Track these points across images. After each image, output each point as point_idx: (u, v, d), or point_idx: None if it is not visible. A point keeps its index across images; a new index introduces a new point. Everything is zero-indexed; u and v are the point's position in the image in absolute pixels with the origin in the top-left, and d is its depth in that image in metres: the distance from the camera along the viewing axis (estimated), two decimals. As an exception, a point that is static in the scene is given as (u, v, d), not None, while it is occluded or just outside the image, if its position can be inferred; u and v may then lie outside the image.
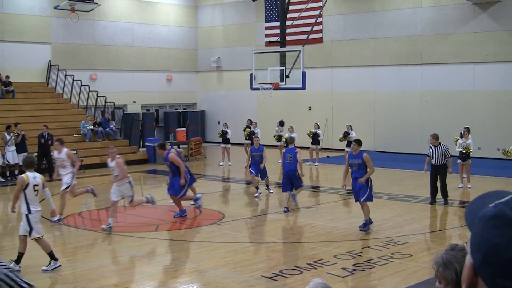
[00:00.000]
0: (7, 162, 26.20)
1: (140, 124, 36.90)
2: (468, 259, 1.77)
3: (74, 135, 31.10)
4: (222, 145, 30.45)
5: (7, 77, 32.20)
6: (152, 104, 40.28)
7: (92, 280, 11.84)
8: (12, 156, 26.26)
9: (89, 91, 34.56)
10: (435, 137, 18.91)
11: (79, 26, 35.25)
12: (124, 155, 30.76)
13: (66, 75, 34.52)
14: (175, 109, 41.57)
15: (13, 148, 26.23)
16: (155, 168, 29.63)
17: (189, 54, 41.96)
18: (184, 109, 41.94)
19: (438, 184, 19.14)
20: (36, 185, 12.19)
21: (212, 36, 41.71)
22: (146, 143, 33.06)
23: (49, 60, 35.02)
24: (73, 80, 34.54)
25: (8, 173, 26.50)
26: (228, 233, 15.13)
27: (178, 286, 11.69)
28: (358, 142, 16.03)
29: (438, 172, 18.76)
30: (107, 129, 32.06)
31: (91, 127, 31.32)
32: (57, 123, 31.01)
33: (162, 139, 35.06)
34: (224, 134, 30.48)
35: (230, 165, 29.84)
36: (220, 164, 30.48)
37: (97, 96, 34.36)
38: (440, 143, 18.68)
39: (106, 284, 11.61)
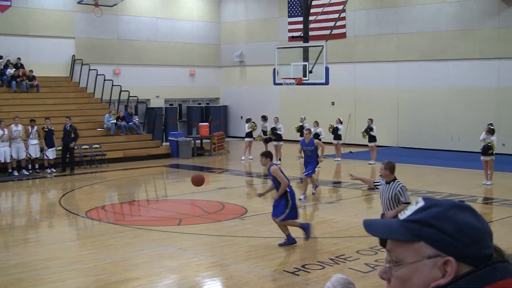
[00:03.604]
0: (29, 156, 26.40)
1: (163, 118, 36.99)
2: (441, 259, 1.88)
3: (98, 129, 31.26)
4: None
5: (31, 71, 32.44)
6: (175, 99, 40.39)
7: (115, 273, 11.90)
8: (35, 150, 26.46)
9: (113, 85, 34.75)
10: (389, 167, 11.20)
11: (103, 20, 35.43)
12: (147, 150, 31.06)
13: (89, 69, 34.73)
14: (198, 103, 41.63)
15: (36, 141, 26.42)
16: (177, 163, 29.70)
17: (212, 49, 42.01)
18: (207, 103, 41.99)
19: None
20: None
21: (235, 31, 41.72)
22: (169, 138, 33.15)
23: (73, 55, 35.21)
24: (97, 75, 34.74)
25: (31, 166, 26.65)
26: (250, 228, 15.15)
27: (201, 280, 11.72)
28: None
29: None
30: (130, 123, 32.18)
31: (115, 121, 31.47)
32: (81, 117, 31.20)
33: (185, 133, 35.15)
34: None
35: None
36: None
37: (120, 91, 34.52)
38: (394, 179, 11.20)
39: (129, 277, 11.66)
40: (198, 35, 41.17)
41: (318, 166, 20.63)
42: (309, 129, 20.81)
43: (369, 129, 28.22)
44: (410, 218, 1.96)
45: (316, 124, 28.53)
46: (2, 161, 25.54)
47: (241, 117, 39.22)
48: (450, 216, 1.91)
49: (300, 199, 18.51)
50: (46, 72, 33.53)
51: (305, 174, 19.39)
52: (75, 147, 27.10)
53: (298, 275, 11.57)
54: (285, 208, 13.47)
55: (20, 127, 25.99)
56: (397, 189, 11.00)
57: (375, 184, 11.55)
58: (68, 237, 15.51)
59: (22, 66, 32.79)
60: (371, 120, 28.57)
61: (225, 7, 42.25)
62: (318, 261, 12.35)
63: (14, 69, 32.29)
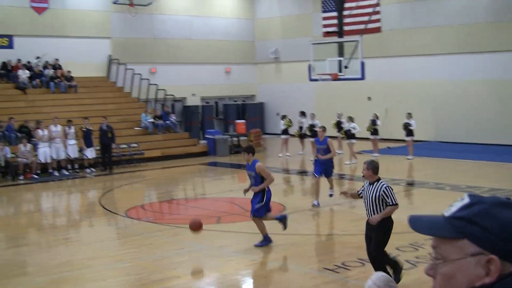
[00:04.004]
0: (68, 156, 26.72)
1: (199, 116, 37.15)
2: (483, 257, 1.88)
3: (135, 128, 31.50)
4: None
5: (69, 72, 32.83)
6: (211, 97, 40.50)
7: (155, 272, 12.00)
8: (73, 150, 26.77)
9: (149, 84, 35.01)
10: (372, 166, 10.28)
11: (138, 20, 35.69)
12: (185, 148, 31.22)
13: (126, 69, 35.01)
14: (234, 101, 41.71)
15: (74, 142, 26.73)
16: (215, 161, 29.80)
17: (247, 46, 42.06)
18: (243, 101, 42.05)
19: None
20: None
21: (269, 27, 41.71)
22: (206, 136, 33.29)
23: (109, 55, 35.53)
24: (133, 74, 35.03)
25: (71, 166, 26.96)
26: (289, 225, 15.15)
27: (240, 278, 11.77)
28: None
29: (370, 234, 10.37)
30: (167, 122, 32.38)
31: (152, 120, 31.70)
32: (119, 116, 31.47)
33: (221, 131, 35.24)
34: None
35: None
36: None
37: (157, 89, 34.78)
38: (378, 179, 10.30)
39: (169, 276, 11.76)
40: (233, 32, 41.24)
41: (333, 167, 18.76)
42: (323, 127, 19.23)
43: (407, 124, 27.98)
44: (456, 215, 1.97)
45: (350, 119, 28.17)
46: (43, 161, 25.91)
47: (277, 114, 39.21)
48: (494, 214, 1.90)
49: (314, 204, 17.80)
50: (83, 72, 33.88)
51: (316, 175, 18.10)
52: (113, 146, 27.35)
53: (338, 272, 11.56)
54: (259, 202, 13.23)
55: (59, 127, 26.34)
56: (381, 190, 10.03)
57: (359, 194, 10.70)
58: (108, 236, 15.69)
59: (60, 67, 33.20)
60: (410, 114, 28.33)
61: (259, 3, 42.26)
62: (358, 258, 12.31)
63: (52, 70, 32.73)
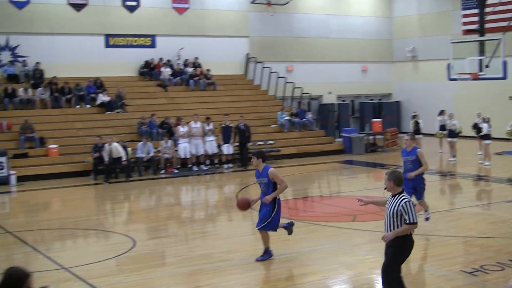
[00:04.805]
0: (207, 152, 27.40)
1: (335, 115, 37.14)
2: None
3: (272, 125, 31.89)
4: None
5: (208, 70, 33.71)
6: (347, 95, 40.40)
7: (291, 268, 12.17)
8: (211, 146, 27.42)
9: (286, 82, 35.35)
10: (393, 177, 8.99)
11: (275, 19, 36.07)
12: (320, 146, 31.32)
13: (263, 67, 35.49)
14: (371, 99, 41.41)
15: (212, 138, 27.38)
16: (351, 159, 29.72)
17: (384, 44, 41.62)
18: (380, 99, 41.66)
19: None
20: None
21: (407, 25, 41.10)
22: (341, 134, 33.26)
23: (247, 53, 36.14)
24: (270, 72, 35.47)
25: (210, 162, 27.63)
26: (426, 225, 14.91)
27: (376, 277, 11.70)
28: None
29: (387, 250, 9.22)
30: (303, 120, 32.59)
31: (288, 117, 31.99)
32: (255, 114, 32.00)
33: (358, 129, 35.09)
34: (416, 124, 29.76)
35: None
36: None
37: (293, 88, 35.05)
38: (401, 192, 9.01)
39: (305, 272, 11.86)
40: (370, 30, 40.92)
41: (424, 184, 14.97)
42: (411, 134, 15.35)
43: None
44: None
45: (486, 120, 26.60)
46: (183, 156, 26.76)
47: (414, 113, 38.54)
48: None
49: (427, 218, 15.14)
50: (221, 71, 34.70)
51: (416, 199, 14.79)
52: (249, 144, 27.83)
53: (476, 275, 11.29)
54: (269, 215, 12.30)
55: (199, 124, 27.08)
56: (400, 205, 8.78)
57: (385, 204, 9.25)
58: (245, 231, 15.97)
59: (199, 65, 34.13)
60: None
61: (396, 1, 41.71)
62: (497, 262, 11.98)
63: (192, 68, 33.70)
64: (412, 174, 14.37)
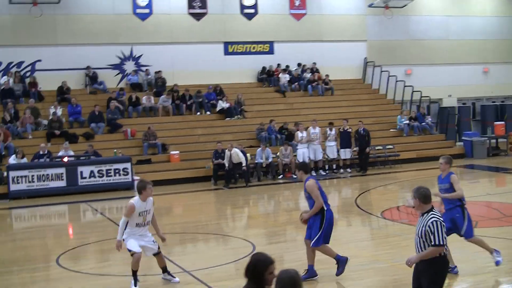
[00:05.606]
0: (327, 157, 27.51)
1: (456, 118, 36.43)
2: None
3: (391, 130, 31.66)
4: None
5: (327, 75, 33.85)
6: (468, 98, 39.51)
7: (409, 275, 12.04)
8: (332, 151, 27.52)
9: (404, 86, 34.97)
10: (419, 195, 8.11)
11: (393, 22, 35.83)
12: (440, 150, 30.78)
13: (381, 71, 35.27)
14: (492, 102, 40.30)
15: (333, 143, 27.49)
16: (472, 163, 29.09)
17: (506, 45, 40.41)
18: (502, 101, 40.47)
19: None
20: None
21: (532, 24, 39.84)
22: (462, 137, 32.58)
23: (365, 57, 36.02)
24: (388, 76, 35.20)
25: (328, 167, 27.74)
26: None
27: (498, 285, 11.46)
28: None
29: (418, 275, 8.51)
30: (423, 123, 32.17)
31: (407, 121, 31.66)
32: (374, 118, 31.86)
33: (479, 133, 34.28)
34: None
35: None
36: None
37: (412, 91, 34.64)
38: (429, 210, 8.09)
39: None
40: (492, 30, 39.84)
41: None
42: (447, 158, 12.39)
43: None
44: None
45: None
46: (301, 161, 26.95)
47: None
48: None
49: (498, 261, 11.98)
50: (339, 75, 34.75)
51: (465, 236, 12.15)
52: (368, 149, 27.75)
53: None
54: (318, 229, 11.53)
55: (317, 129, 27.20)
56: (427, 225, 7.89)
57: None
58: (364, 236, 15.97)
59: (317, 70, 34.31)
60: None
61: (520, 0, 40.50)
62: None
63: (310, 74, 33.92)
64: (438, 195, 12.17)
